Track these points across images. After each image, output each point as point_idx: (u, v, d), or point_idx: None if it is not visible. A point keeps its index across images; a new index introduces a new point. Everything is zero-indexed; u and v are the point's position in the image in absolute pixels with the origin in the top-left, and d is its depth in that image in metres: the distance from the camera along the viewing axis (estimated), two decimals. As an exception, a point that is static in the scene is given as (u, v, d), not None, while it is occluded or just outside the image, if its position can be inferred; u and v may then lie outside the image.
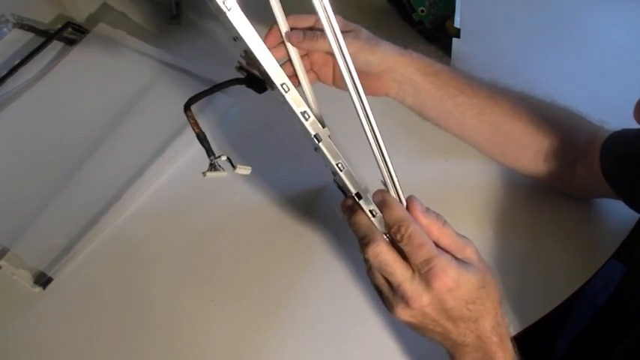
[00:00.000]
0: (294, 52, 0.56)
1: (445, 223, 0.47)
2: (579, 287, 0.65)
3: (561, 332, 0.76)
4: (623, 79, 0.80)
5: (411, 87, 0.63)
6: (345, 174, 0.49)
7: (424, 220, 0.47)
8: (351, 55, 0.58)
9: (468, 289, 0.46)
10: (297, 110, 0.47)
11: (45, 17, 0.94)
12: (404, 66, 0.62)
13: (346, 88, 0.62)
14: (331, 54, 0.59)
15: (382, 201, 0.48)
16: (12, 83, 0.85)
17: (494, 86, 0.64)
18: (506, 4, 0.91)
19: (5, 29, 0.92)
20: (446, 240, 0.47)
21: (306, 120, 0.47)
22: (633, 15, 0.88)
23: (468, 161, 0.75)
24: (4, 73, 0.85)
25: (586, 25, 0.87)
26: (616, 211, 0.69)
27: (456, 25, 0.79)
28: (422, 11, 0.85)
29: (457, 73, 0.64)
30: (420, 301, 0.45)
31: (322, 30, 0.58)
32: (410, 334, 0.51)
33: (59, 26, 0.91)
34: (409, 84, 0.63)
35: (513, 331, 0.62)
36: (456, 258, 0.47)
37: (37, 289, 0.67)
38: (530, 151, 0.64)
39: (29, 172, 0.76)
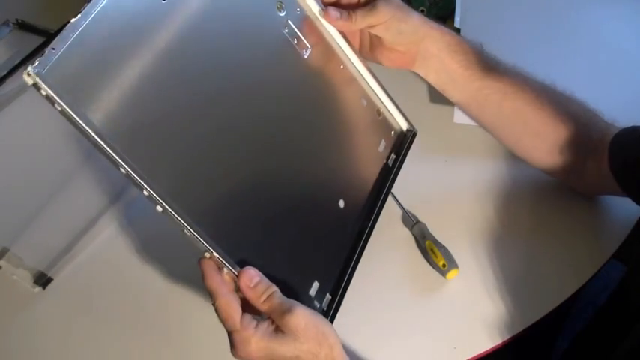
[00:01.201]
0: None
1: (272, 294, 0.49)
2: (579, 287, 0.65)
3: (561, 332, 0.76)
4: (625, 79, 0.80)
5: (438, 63, 0.62)
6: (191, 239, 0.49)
7: (249, 293, 0.49)
8: (382, 23, 0.59)
9: (274, 355, 0.48)
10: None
11: (45, 17, 0.94)
12: (433, 40, 0.61)
13: (369, 58, 0.63)
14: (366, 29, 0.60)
15: (202, 270, 0.50)
16: (12, 83, 0.85)
17: (519, 73, 0.64)
18: (506, 4, 0.91)
19: (5, 29, 0.92)
20: (268, 310, 0.49)
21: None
22: (635, 13, 0.88)
23: (468, 161, 0.75)
24: (4, 73, 0.85)
25: (587, 24, 0.87)
26: (616, 210, 0.69)
27: (456, 25, 0.79)
28: (422, 11, 0.85)
29: (486, 55, 0.63)
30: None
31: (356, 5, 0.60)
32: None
33: (59, 26, 0.91)
34: (436, 60, 0.62)
35: (513, 330, 0.62)
36: (277, 326, 0.48)
37: (37, 289, 0.67)
38: (546, 143, 0.64)
39: (29, 172, 0.76)
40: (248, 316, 0.49)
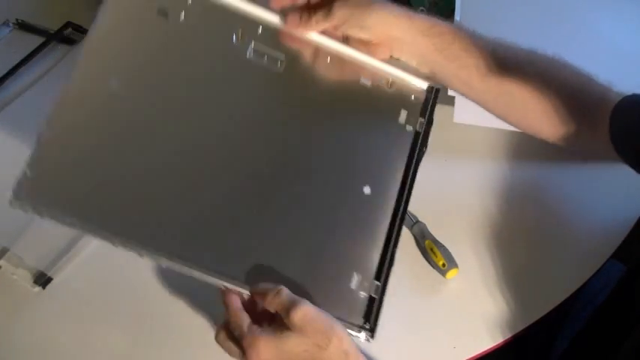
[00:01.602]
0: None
1: (279, 292, 0.50)
2: (579, 287, 0.65)
3: (561, 332, 0.76)
4: (628, 80, 0.80)
5: (414, 48, 0.61)
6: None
7: (260, 298, 0.52)
8: (343, 24, 0.58)
9: (284, 353, 0.49)
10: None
11: (45, 17, 0.94)
12: (403, 29, 0.60)
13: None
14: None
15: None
16: (12, 83, 0.85)
17: (501, 45, 0.63)
18: (506, 4, 0.91)
19: (5, 29, 0.92)
20: (277, 308, 0.50)
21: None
22: (636, 12, 0.88)
23: (468, 161, 0.75)
24: (4, 73, 0.85)
25: (588, 24, 0.87)
26: (616, 211, 0.69)
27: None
28: (422, 11, 0.85)
29: (462, 33, 0.62)
30: None
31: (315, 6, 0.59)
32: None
33: (59, 26, 0.91)
34: (412, 46, 0.61)
35: (513, 330, 0.62)
36: (284, 326, 0.50)
37: (37, 288, 0.67)
38: (535, 113, 0.63)
39: (29, 172, 0.76)
40: (255, 325, 0.50)
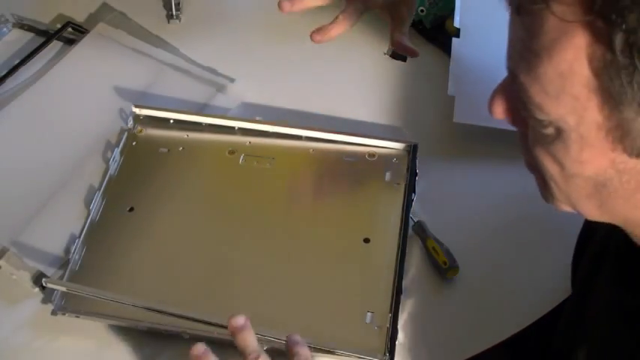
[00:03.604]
0: None
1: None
2: (579, 287, 0.65)
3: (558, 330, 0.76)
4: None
5: None
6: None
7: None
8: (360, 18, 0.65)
9: None
10: None
11: (45, 17, 0.94)
12: None
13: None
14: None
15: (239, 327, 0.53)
16: (12, 83, 0.85)
17: None
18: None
19: (5, 29, 0.92)
20: None
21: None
22: None
23: (468, 160, 0.75)
24: (4, 73, 0.85)
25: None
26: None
27: (456, 24, 0.79)
28: (422, 11, 0.85)
29: None
30: None
31: None
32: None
33: (59, 26, 0.91)
34: None
35: (513, 330, 0.62)
36: None
37: (37, 289, 0.67)
38: None
39: (29, 172, 0.76)
40: None
